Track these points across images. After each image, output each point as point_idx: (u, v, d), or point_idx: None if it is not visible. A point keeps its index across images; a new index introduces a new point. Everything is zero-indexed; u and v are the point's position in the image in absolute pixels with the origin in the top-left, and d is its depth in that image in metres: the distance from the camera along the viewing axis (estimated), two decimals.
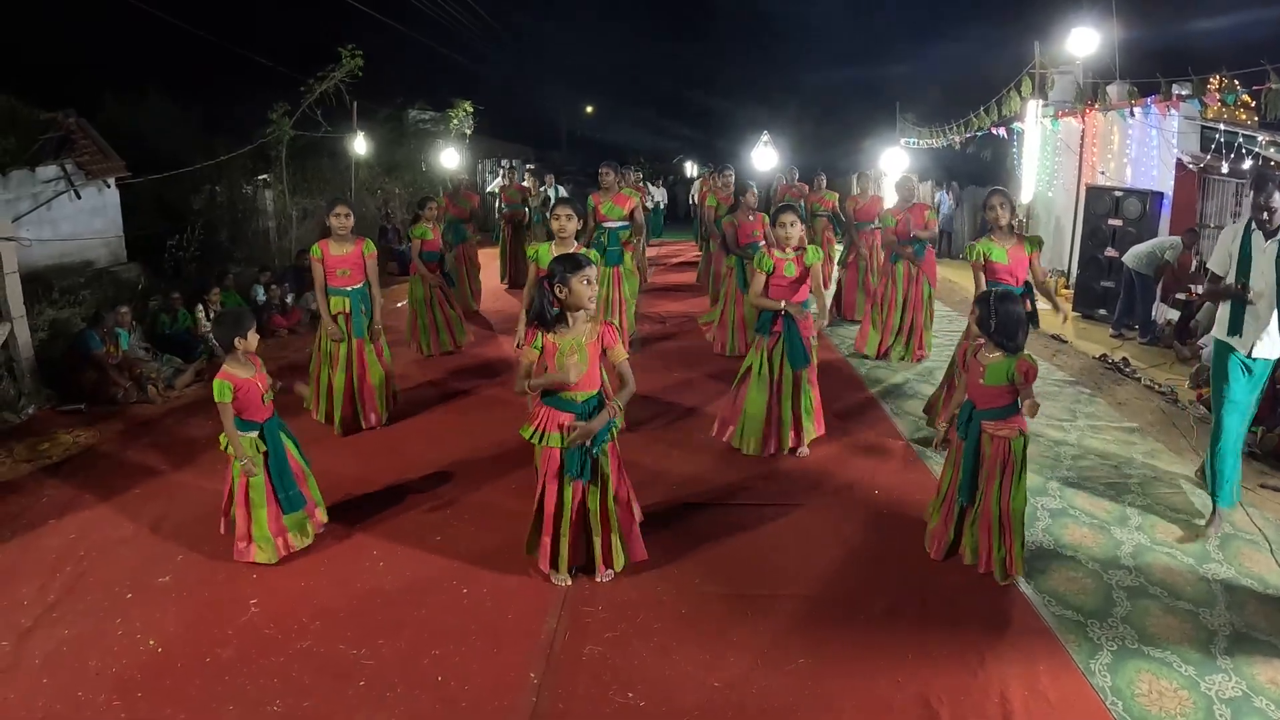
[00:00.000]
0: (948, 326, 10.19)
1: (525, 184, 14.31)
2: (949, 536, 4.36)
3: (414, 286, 8.96)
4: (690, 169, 36.39)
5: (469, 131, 20.45)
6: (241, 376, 4.37)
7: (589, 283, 3.80)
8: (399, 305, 10.72)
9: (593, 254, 5.13)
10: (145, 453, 6.44)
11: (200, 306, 9.74)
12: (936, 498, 4.50)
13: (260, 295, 10.98)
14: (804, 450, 5.82)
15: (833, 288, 11.10)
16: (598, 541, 4.08)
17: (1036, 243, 5.74)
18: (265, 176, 13.53)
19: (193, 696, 3.46)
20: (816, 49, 37.40)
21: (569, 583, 4.16)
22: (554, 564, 4.13)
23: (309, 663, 3.64)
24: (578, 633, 3.81)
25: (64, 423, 7.26)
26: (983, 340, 4.14)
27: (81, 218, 10.84)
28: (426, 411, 7.24)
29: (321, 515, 4.77)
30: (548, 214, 7.99)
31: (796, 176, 14.01)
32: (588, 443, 3.90)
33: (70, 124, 10.52)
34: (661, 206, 23.12)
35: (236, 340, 4.39)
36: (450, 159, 17.15)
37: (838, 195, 11.88)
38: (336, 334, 6.34)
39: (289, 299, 11.38)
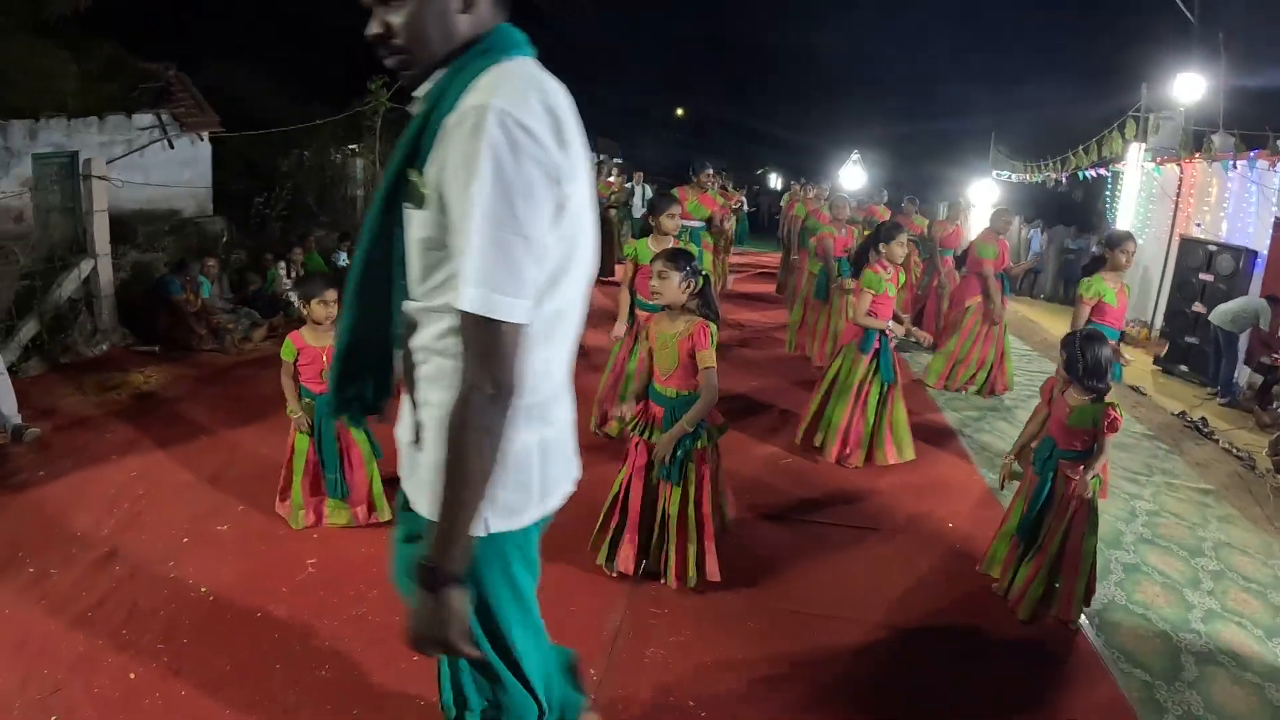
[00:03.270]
0: (1026, 365, 9.85)
1: (611, 179, 14.22)
2: (1011, 573, 4.15)
3: None
4: (774, 181, 36.04)
5: None
6: (310, 343, 4.27)
7: (660, 277, 3.70)
8: None
9: (692, 247, 4.96)
10: (214, 401, 6.42)
11: (283, 265, 9.80)
12: (1004, 527, 4.27)
13: (341, 260, 11.04)
14: (857, 462, 5.67)
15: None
16: (672, 550, 3.88)
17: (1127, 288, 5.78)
18: (355, 146, 13.59)
19: (239, 650, 3.35)
20: (914, 71, 36.72)
21: (619, 574, 3.98)
22: (610, 559, 3.98)
23: (361, 631, 3.50)
24: (641, 634, 3.63)
25: (137, 362, 7.30)
26: (1070, 380, 3.91)
27: (172, 167, 10.97)
28: None
29: (379, 516, 4.46)
30: (644, 211, 7.83)
31: (886, 198, 13.68)
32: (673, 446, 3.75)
33: (170, 76, 10.68)
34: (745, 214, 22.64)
35: (313, 303, 4.28)
36: None
37: (927, 221, 11.58)
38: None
39: None
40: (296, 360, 4.27)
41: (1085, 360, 3.78)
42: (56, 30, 9.19)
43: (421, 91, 1.72)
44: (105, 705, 3.00)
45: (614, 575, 4.01)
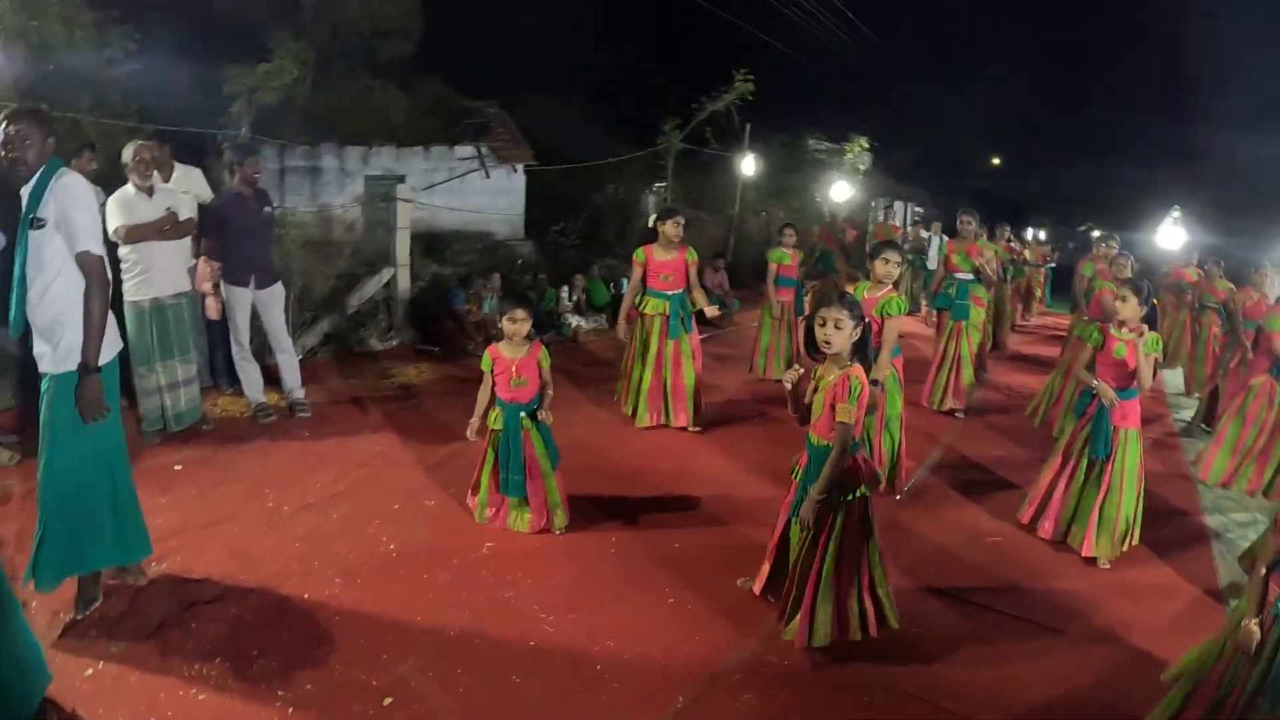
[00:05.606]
0: None
1: (896, 224, 13.95)
2: None
3: (765, 308, 9.03)
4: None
5: (863, 168, 20.38)
6: (504, 355, 4.66)
7: (823, 324, 3.62)
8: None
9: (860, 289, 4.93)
10: (465, 400, 7.05)
11: (565, 288, 10.70)
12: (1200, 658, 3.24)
13: (625, 287, 11.81)
14: (1046, 534, 5.01)
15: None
16: (803, 600, 3.66)
17: None
18: (661, 184, 14.48)
19: (397, 600, 3.83)
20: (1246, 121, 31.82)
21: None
22: (766, 591, 3.98)
23: (501, 612, 3.83)
24: (747, 679, 3.48)
25: (415, 359, 8.36)
26: None
27: (488, 195, 12.43)
28: (731, 425, 6.94)
29: (557, 521, 4.70)
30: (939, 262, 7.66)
31: (1196, 259, 12.19)
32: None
33: (490, 113, 12.11)
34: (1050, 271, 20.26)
35: (504, 320, 4.66)
36: (841, 192, 17.14)
37: (1232, 287, 10.15)
38: (626, 333, 6.69)
39: None
40: (492, 370, 4.70)
41: None
42: (389, 71, 10.83)
43: None
44: (270, 609, 3.64)
45: (756, 596, 4.02)
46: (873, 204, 22.15)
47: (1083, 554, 4.82)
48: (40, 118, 3.32)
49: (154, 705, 3.03)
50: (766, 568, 3.98)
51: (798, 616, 3.64)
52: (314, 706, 3.08)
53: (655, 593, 4.08)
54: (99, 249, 3.34)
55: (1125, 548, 4.88)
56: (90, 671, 3.17)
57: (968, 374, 7.54)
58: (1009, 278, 12.25)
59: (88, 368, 3.25)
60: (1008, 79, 37.13)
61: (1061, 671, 3.75)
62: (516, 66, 15.49)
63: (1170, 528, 5.54)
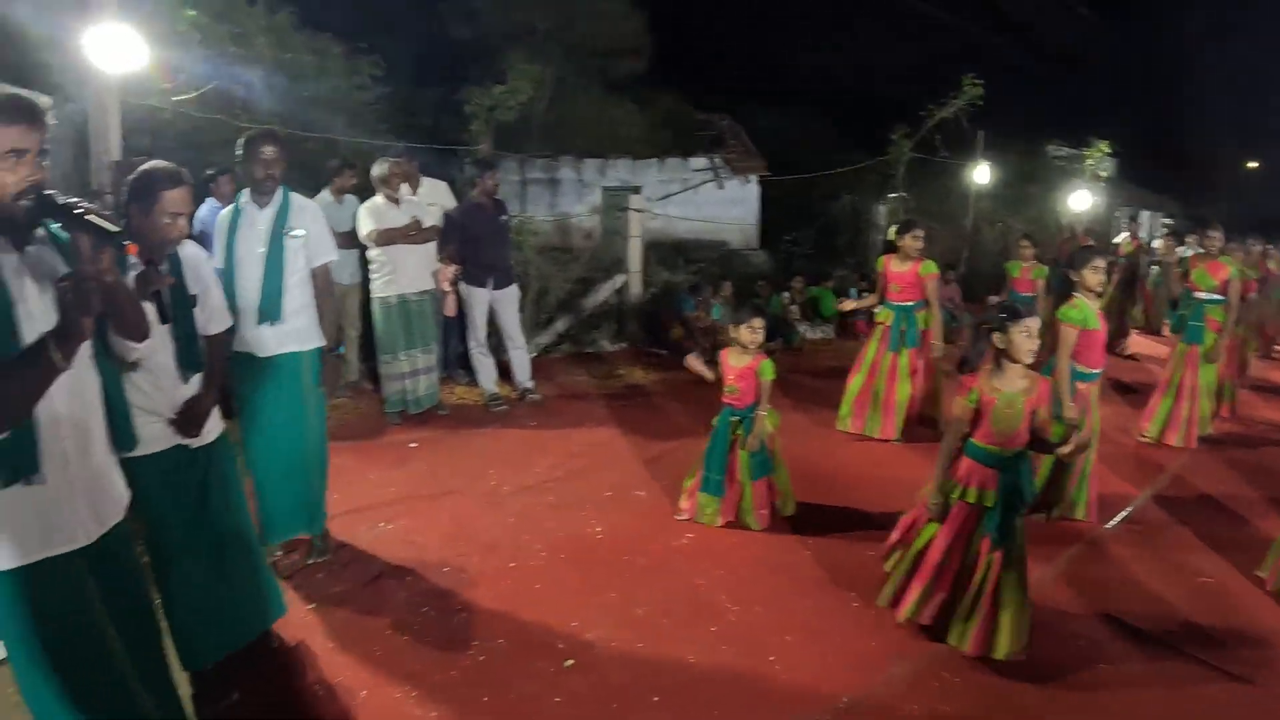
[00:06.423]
0: None
1: (1141, 238, 12.65)
2: None
3: None
4: None
5: (1105, 175, 18.65)
6: (731, 362, 4.70)
7: (1029, 335, 3.41)
8: None
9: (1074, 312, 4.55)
10: (688, 402, 7.17)
11: (785, 295, 10.68)
12: None
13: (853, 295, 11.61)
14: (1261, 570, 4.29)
15: None
16: (977, 618, 3.47)
17: None
18: (896, 195, 14.08)
19: (594, 577, 4.02)
20: None
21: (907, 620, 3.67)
22: (895, 602, 3.71)
23: (689, 597, 3.90)
24: (916, 688, 3.32)
25: (642, 361, 8.63)
26: None
27: (722, 205, 12.63)
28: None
29: (751, 523, 4.67)
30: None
31: None
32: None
33: (723, 125, 12.31)
34: None
35: (742, 328, 4.67)
36: (1081, 201, 15.93)
37: None
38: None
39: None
40: (720, 370, 4.75)
41: None
42: (624, 86, 11.30)
43: None
44: (477, 572, 3.95)
45: (900, 621, 3.69)
46: (1115, 214, 20.15)
47: None
48: (282, 140, 3.86)
49: (364, 641, 3.37)
50: (941, 597, 3.62)
51: (974, 623, 3.46)
52: (502, 658, 3.31)
53: (841, 596, 3.99)
54: (335, 257, 4.03)
55: None
56: (313, 607, 3.59)
57: (1203, 406, 6.59)
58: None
59: (330, 350, 3.74)
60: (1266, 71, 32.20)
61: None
62: (747, 78, 15.66)
63: None
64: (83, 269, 1.88)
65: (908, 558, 3.71)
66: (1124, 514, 5.11)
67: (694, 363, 4.86)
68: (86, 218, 1.87)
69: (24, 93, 1.96)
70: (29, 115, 1.89)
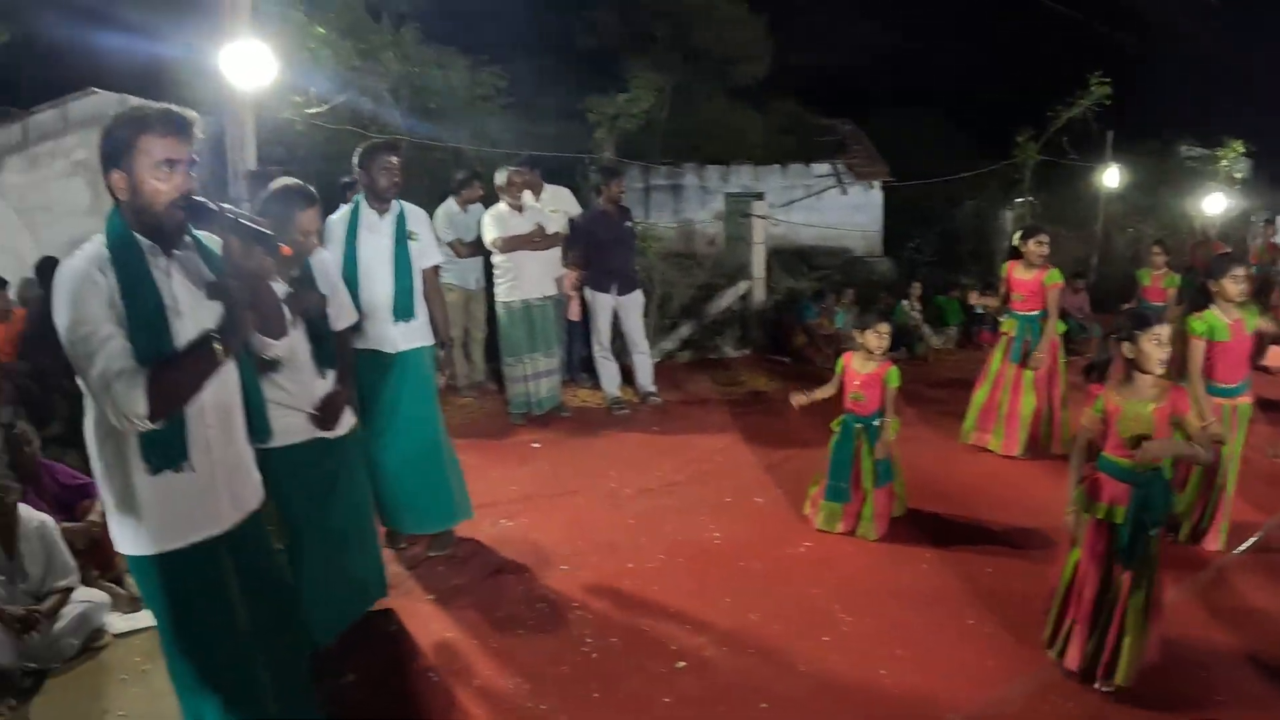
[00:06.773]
0: None
1: (1276, 242, 11.61)
2: None
3: None
4: None
5: (1240, 176, 17.24)
6: (853, 365, 4.60)
7: (1159, 343, 3.18)
8: None
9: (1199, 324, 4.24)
10: (807, 411, 7.08)
11: (904, 302, 10.37)
12: None
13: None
14: None
15: None
16: (1105, 640, 3.27)
17: None
18: (1023, 199, 13.51)
19: (711, 581, 4.01)
20: None
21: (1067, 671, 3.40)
22: (1062, 652, 3.41)
23: (803, 605, 3.84)
24: (1027, 712, 3.18)
25: (764, 368, 8.54)
26: None
27: (845, 211, 12.41)
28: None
29: (868, 531, 4.54)
30: None
31: None
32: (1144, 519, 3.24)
33: (845, 131, 12.10)
34: None
35: (868, 333, 4.56)
36: (1215, 204, 14.86)
37: None
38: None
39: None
40: (842, 376, 4.65)
41: None
42: (745, 93, 11.23)
43: None
44: (595, 571, 3.97)
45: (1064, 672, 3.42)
46: (1250, 218, 18.55)
47: None
48: (401, 150, 4.08)
49: (480, 633, 3.47)
50: (1083, 633, 3.35)
51: (1093, 647, 3.27)
52: (614, 656, 3.34)
53: (957, 613, 3.84)
54: (441, 260, 4.35)
55: None
56: (433, 598, 3.71)
57: None
58: None
59: (444, 345, 3.91)
60: None
61: None
62: (868, 82, 15.33)
63: None
64: (241, 266, 2.01)
65: (1059, 593, 3.45)
66: (1253, 539, 4.67)
67: (799, 398, 4.73)
68: (241, 221, 1.99)
69: (174, 108, 2.08)
70: (181, 128, 2.01)
